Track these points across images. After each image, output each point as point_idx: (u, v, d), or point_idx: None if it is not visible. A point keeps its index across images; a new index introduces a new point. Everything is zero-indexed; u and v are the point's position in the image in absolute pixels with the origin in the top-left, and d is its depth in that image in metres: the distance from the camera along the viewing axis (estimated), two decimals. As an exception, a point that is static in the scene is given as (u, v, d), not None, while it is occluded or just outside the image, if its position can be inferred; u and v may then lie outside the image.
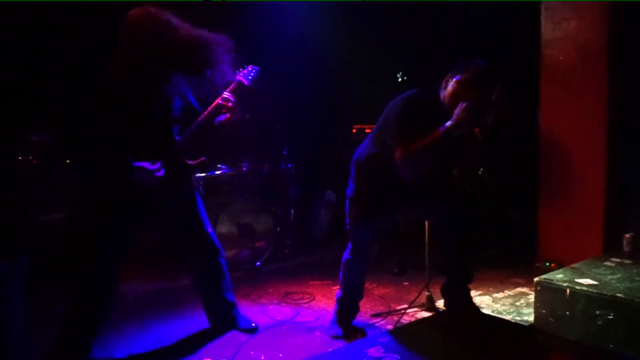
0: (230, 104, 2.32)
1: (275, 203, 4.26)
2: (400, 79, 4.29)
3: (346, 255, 2.50)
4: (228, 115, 2.34)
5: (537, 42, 3.76)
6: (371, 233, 2.43)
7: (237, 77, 2.44)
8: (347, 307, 2.56)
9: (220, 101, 2.32)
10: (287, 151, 4.42)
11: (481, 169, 4.00)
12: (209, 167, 3.94)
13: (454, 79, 2.15)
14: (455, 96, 2.11)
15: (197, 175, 3.76)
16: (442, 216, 2.49)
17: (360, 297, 2.59)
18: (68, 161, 3.85)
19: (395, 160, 2.11)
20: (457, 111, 2.03)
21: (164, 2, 2.17)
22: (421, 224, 3.01)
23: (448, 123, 2.05)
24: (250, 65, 2.51)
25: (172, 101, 2.28)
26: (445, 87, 2.19)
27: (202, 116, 2.32)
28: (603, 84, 3.42)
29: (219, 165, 4.03)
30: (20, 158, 3.61)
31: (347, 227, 2.48)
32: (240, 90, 2.43)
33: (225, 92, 2.36)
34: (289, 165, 4.43)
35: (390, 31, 4.81)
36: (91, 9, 3.65)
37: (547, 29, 3.71)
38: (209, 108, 2.33)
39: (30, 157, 3.64)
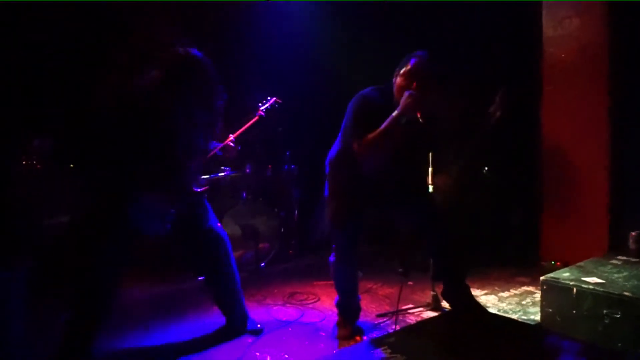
0: (231, 147, 2.67)
1: (279, 204, 4.26)
2: None
3: (331, 258, 2.51)
4: (226, 156, 2.68)
5: (537, 42, 3.75)
6: (350, 231, 2.43)
7: (259, 112, 2.89)
8: (347, 309, 2.55)
9: (228, 143, 2.67)
10: (289, 153, 4.42)
11: (485, 168, 3.99)
12: (212, 170, 3.95)
13: (398, 73, 2.33)
14: (401, 88, 2.27)
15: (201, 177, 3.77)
16: (417, 217, 2.51)
17: (357, 298, 2.57)
18: (71, 165, 3.86)
19: (355, 155, 2.27)
20: (402, 100, 2.19)
21: (168, 2, 2.18)
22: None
23: (395, 112, 2.20)
24: (273, 98, 2.90)
25: (194, 138, 2.36)
26: (394, 82, 2.35)
27: (211, 154, 2.59)
28: (605, 82, 3.41)
29: (222, 168, 4.04)
30: (24, 163, 3.62)
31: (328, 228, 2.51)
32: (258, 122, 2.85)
33: (231, 136, 2.71)
34: (292, 167, 4.43)
35: (392, 34, 4.80)
36: (92, 12, 3.65)
37: (549, 27, 3.71)
38: (218, 147, 2.63)
39: (34, 162, 3.65)
